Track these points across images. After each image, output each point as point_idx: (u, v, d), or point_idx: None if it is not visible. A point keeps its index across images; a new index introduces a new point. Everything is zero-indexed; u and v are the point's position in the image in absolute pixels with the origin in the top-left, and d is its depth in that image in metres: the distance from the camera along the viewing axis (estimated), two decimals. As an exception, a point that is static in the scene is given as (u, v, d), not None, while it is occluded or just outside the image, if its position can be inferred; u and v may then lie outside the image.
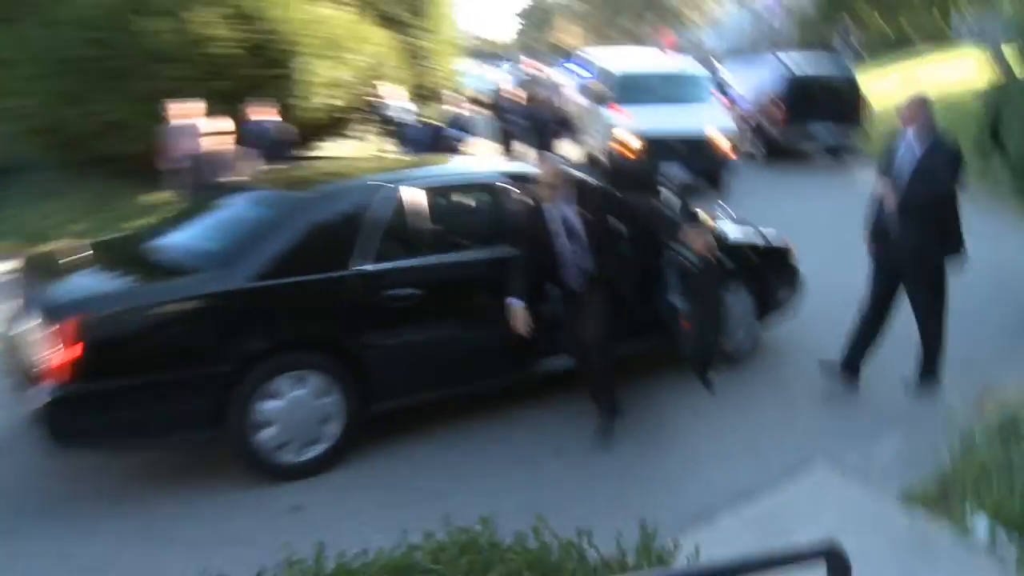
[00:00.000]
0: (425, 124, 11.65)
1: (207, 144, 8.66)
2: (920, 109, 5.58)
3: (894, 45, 30.85)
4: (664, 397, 5.82)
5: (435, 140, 11.12)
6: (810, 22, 35.53)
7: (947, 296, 5.68)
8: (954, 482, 4.20)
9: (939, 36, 31.26)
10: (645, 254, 5.55)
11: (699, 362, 5.48)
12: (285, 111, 11.40)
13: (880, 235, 5.71)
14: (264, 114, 9.93)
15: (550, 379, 5.73)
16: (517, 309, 4.97)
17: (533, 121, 12.88)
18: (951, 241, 5.63)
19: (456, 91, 16.12)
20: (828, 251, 9.26)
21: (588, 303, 5.11)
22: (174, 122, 9.34)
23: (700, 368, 5.47)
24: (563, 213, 5.13)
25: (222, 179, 7.06)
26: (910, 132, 5.56)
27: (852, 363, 5.88)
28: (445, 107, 12.06)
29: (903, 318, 5.79)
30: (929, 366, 5.77)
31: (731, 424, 5.44)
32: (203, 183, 7.92)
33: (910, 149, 5.54)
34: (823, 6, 34.70)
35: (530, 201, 5.23)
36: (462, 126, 11.58)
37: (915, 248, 5.54)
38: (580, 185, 5.32)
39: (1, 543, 4.09)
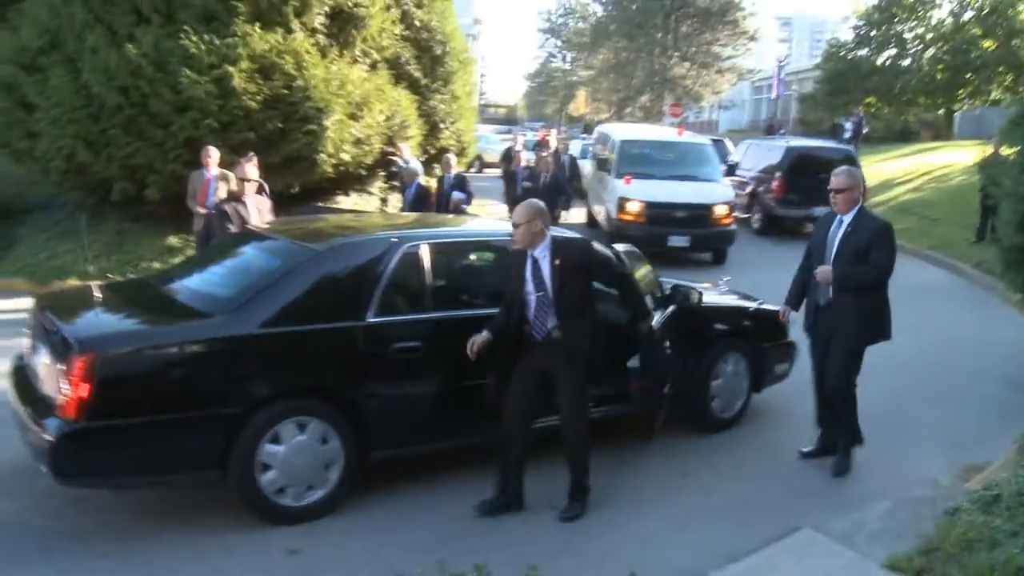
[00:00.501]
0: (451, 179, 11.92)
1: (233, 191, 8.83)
2: (852, 184, 5.63)
3: (898, 138, 31.73)
4: (654, 457, 5.92)
5: (441, 199, 11.37)
6: (818, 106, 36.50)
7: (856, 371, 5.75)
8: (938, 553, 4.29)
9: (944, 134, 32.24)
10: (629, 324, 5.58)
11: (650, 416, 5.71)
12: (309, 165, 11.71)
13: (811, 309, 5.88)
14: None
15: (546, 434, 5.85)
16: (478, 336, 4.92)
17: (536, 185, 13.03)
18: (886, 322, 5.70)
19: (461, 153, 16.50)
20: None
21: (555, 369, 4.98)
22: (209, 169, 9.55)
23: (651, 421, 5.71)
24: (536, 261, 4.97)
25: (238, 228, 7.23)
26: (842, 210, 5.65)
27: (829, 446, 5.94)
28: (450, 168, 12.20)
29: (889, 392, 5.91)
30: (845, 439, 5.82)
31: (719, 486, 5.54)
32: (223, 231, 8.12)
33: (840, 224, 5.66)
34: (826, 92, 35.69)
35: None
36: (464, 187, 11.80)
37: (847, 325, 5.60)
38: (564, 242, 5.10)
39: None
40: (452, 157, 12.40)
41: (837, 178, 5.67)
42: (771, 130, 32.35)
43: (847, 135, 27.13)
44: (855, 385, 5.74)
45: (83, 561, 4.34)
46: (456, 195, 11.54)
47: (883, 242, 5.57)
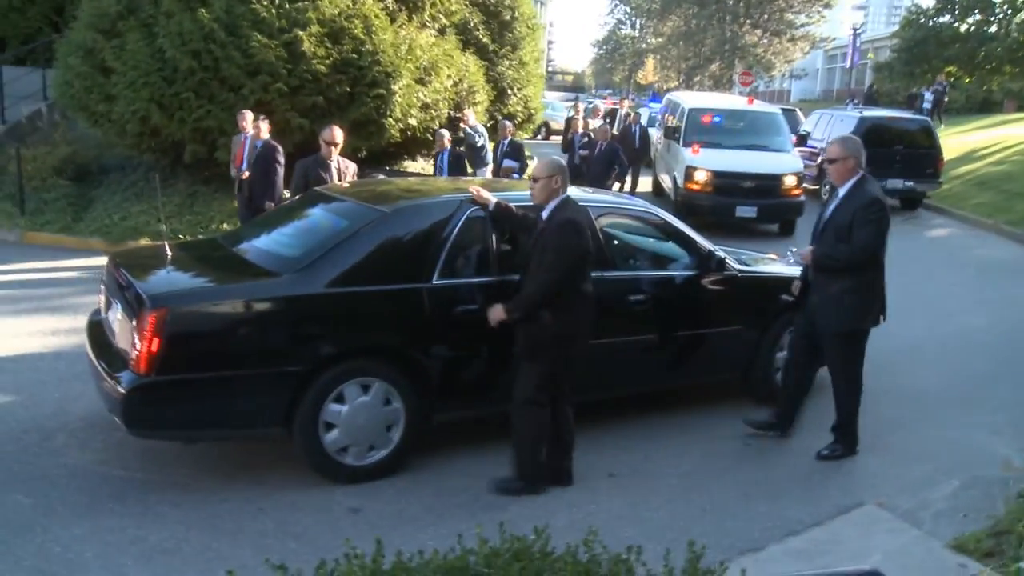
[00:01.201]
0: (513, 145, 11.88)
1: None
2: (844, 154, 5.30)
3: (979, 109, 30.59)
4: (718, 427, 5.88)
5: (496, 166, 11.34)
6: (895, 75, 35.36)
7: (861, 360, 5.43)
8: (1010, 535, 4.17)
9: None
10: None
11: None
12: (376, 129, 11.78)
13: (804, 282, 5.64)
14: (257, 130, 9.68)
15: (607, 402, 5.86)
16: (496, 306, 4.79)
17: (592, 153, 12.90)
18: (865, 308, 5.32)
19: (528, 119, 16.40)
20: (891, 297, 9.17)
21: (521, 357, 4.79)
22: (246, 132, 9.76)
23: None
24: (540, 223, 4.81)
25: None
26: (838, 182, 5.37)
27: (776, 421, 5.76)
28: (506, 134, 12.10)
29: (963, 371, 5.74)
30: (840, 430, 5.51)
31: (782, 460, 5.48)
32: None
33: (836, 197, 5.40)
34: (904, 61, 34.50)
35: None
36: (518, 155, 11.68)
37: (823, 309, 5.34)
38: (566, 209, 4.71)
39: (77, 524, 4.32)
40: (508, 123, 12.27)
41: (829, 147, 5.42)
42: (871, 100, 30.82)
43: (926, 105, 26.27)
44: (856, 374, 5.41)
45: (156, 510, 4.48)
46: (507, 163, 11.46)
47: (866, 219, 5.14)
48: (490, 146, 12.59)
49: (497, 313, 4.74)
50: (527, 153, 12.97)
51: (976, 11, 34.16)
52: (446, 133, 11.52)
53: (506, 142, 11.91)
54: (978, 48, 33.08)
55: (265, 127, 9.64)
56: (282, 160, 9.43)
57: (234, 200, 10.83)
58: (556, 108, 31.93)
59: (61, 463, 4.94)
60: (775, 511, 4.74)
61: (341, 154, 8.14)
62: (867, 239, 5.15)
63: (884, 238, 5.22)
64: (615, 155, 12.84)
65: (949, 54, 33.67)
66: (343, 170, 8.02)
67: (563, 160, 5.19)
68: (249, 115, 9.92)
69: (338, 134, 8.01)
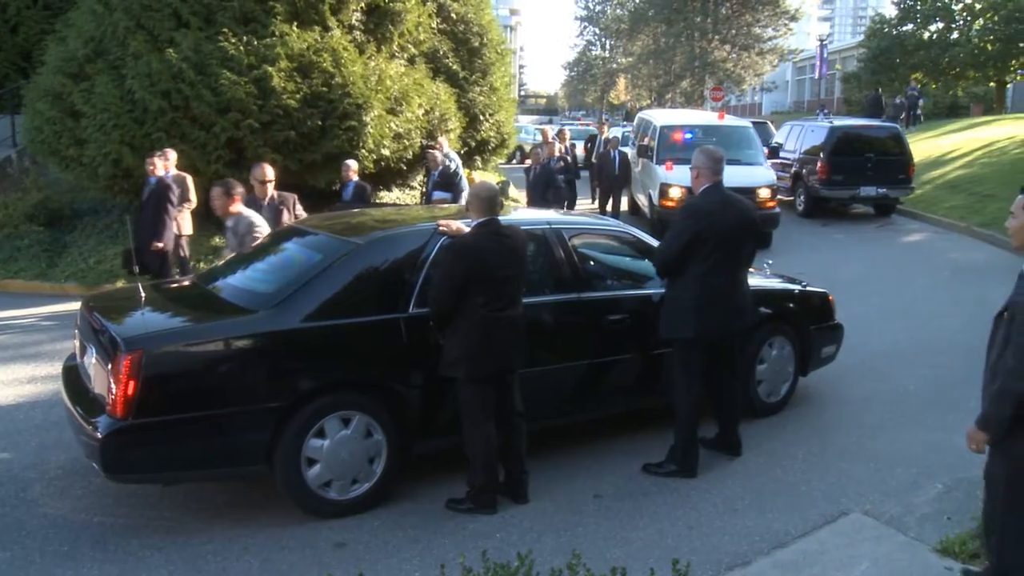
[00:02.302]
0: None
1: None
2: (694, 164, 5.36)
3: (947, 113, 31.00)
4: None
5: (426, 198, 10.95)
6: (863, 84, 35.85)
7: (692, 381, 5.34)
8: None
9: (996, 107, 31.46)
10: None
11: None
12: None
13: None
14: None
15: (592, 424, 5.86)
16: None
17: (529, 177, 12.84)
18: (670, 315, 5.34)
19: (501, 144, 16.39)
20: (869, 303, 9.28)
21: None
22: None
23: None
24: None
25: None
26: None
27: (721, 440, 5.73)
28: (436, 164, 11.63)
29: (938, 374, 5.76)
30: (673, 453, 5.41)
31: (767, 472, 5.48)
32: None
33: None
34: (870, 70, 35.03)
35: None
36: (451, 185, 11.36)
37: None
38: (468, 229, 4.97)
39: (59, 571, 4.26)
40: (436, 153, 11.68)
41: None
42: (876, 105, 30.25)
43: (902, 113, 26.53)
44: (688, 385, 5.35)
45: (137, 554, 4.42)
46: (438, 195, 11.06)
47: (672, 224, 5.35)
48: (464, 173, 12.58)
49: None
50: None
51: (937, 19, 34.74)
52: (352, 164, 10.67)
53: (436, 173, 11.55)
54: (942, 55, 33.60)
55: (166, 163, 9.31)
56: (175, 200, 9.19)
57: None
58: (529, 132, 32.13)
59: (39, 513, 4.87)
60: (762, 524, 4.74)
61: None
62: (661, 245, 5.46)
63: (679, 247, 5.22)
64: (551, 177, 12.95)
65: (914, 61, 34.20)
66: (284, 206, 7.77)
67: (491, 183, 5.28)
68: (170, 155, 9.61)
69: (268, 172, 7.85)
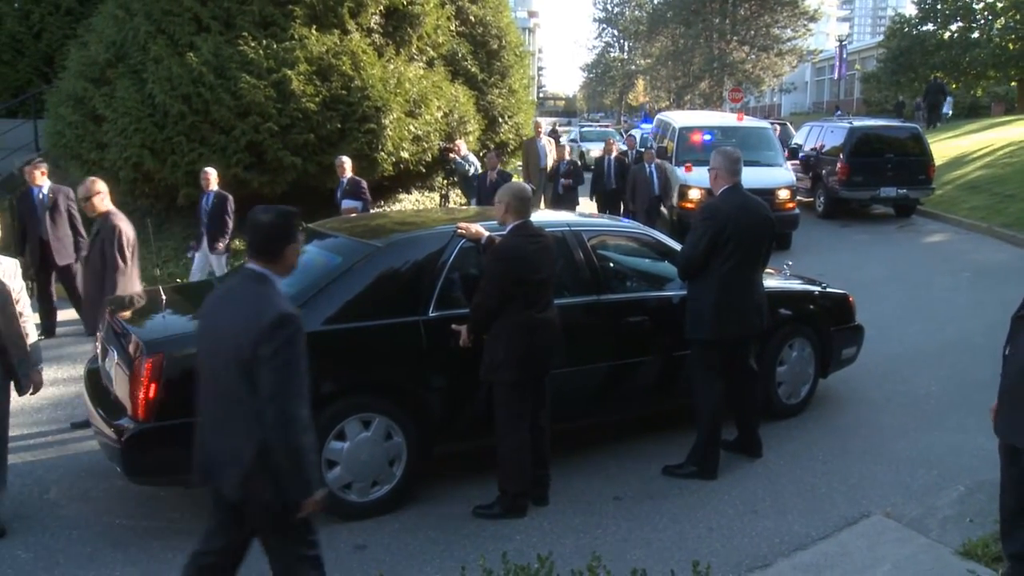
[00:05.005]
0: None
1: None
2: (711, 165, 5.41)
3: (967, 113, 30.75)
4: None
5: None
6: (882, 84, 35.61)
7: (713, 382, 5.34)
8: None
9: (1017, 107, 31.18)
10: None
11: None
12: (369, 163, 11.75)
13: None
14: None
15: (612, 426, 5.85)
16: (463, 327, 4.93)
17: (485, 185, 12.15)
18: (693, 315, 5.34)
19: (518, 147, 16.33)
20: (889, 304, 9.20)
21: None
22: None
23: None
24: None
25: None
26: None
27: (740, 442, 5.72)
28: (344, 172, 10.63)
29: (962, 375, 5.71)
30: (694, 454, 5.42)
31: (788, 473, 5.46)
32: None
33: None
34: (890, 70, 34.79)
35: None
36: (358, 193, 10.49)
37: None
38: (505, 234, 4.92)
39: (82, 573, 4.31)
40: (346, 160, 10.57)
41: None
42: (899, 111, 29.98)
43: (946, 110, 26.29)
44: (708, 386, 5.35)
45: (160, 557, 4.44)
46: (347, 203, 10.32)
47: (694, 226, 5.40)
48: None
49: (464, 333, 4.85)
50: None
51: (958, 18, 34.43)
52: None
53: (344, 180, 10.47)
54: (962, 55, 33.30)
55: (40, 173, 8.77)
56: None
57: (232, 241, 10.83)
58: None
59: (62, 515, 4.92)
60: (782, 526, 4.72)
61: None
62: (684, 246, 5.47)
63: (703, 249, 5.24)
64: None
65: (935, 61, 33.90)
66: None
67: (527, 185, 5.23)
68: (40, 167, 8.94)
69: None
